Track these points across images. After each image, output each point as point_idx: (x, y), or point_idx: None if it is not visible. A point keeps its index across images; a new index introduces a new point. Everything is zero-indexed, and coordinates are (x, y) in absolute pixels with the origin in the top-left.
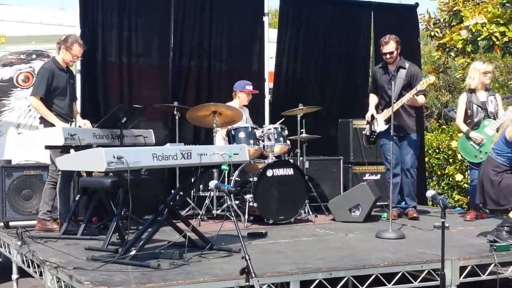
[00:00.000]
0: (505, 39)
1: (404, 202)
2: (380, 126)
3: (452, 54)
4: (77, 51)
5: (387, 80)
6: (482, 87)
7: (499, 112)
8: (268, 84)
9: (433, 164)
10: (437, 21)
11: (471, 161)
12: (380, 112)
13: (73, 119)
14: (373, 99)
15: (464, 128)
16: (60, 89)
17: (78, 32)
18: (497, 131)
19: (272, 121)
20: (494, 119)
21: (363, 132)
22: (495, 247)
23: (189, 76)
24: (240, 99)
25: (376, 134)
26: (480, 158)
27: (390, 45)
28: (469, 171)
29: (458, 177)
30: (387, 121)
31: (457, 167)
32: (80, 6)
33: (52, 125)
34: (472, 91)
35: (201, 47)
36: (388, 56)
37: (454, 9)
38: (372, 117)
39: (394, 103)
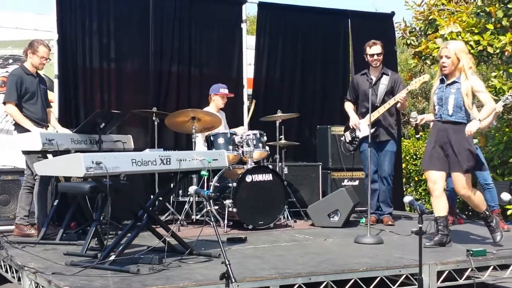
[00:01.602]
0: (480, 47)
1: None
2: (363, 131)
3: (428, 62)
4: (44, 53)
5: (370, 86)
6: None
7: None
8: (247, 90)
9: (411, 170)
10: (413, 30)
11: None
12: (361, 118)
13: (47, 124)
14: (350, 107)
15: None
16: (30, 94)
17: (55, 37)
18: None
19: (251, 127)
20: None
21: (342, 139)
22: (471, 252)
23: (168, 82)
24: (216, 102)
25: (358, 140)
26: None
27: (377, 47)
28: None
29: None
30: (371, 126)
31: None
32: (57, 11)
33: (27, 131)
34: None
35: (180, 53)
36: (375, 57)
37: (430, 18)
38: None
39: (378, 106)
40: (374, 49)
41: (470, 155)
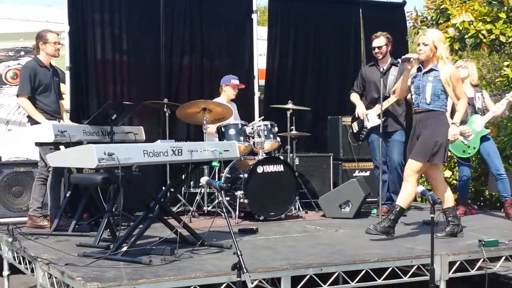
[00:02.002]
0: (492, 36)
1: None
2: (372, 121)
3: None
4: (54, 38)
5: (379, 77)
6: (467, 83)
7: (490, 107)
8: (258, 81)
9: None
10: (424, 19)
11: (460, 156)
12: (368, 109)
13: (61, 116)
14: (357, 97)
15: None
16: (43, 86)
17: (67, 29)
18: (485, 128)
19: (264, 118)
20: (482, 115)
21: (349, 131)
22: (483, 243)
23: (180, 73)
24: (227, 93)
25: (366, 130)
26: (469, 153)
27: (379, 40)
28: (457, 167)
29: (447, 173)
30: (379, 116)
31: (446, 163)
32: (68, 3)
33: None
34: None
35: (191, 45)
36: (376, 50)
37: (441, 7)
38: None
39: (388, 97)
40: (375, 42)
41: (429, 146)
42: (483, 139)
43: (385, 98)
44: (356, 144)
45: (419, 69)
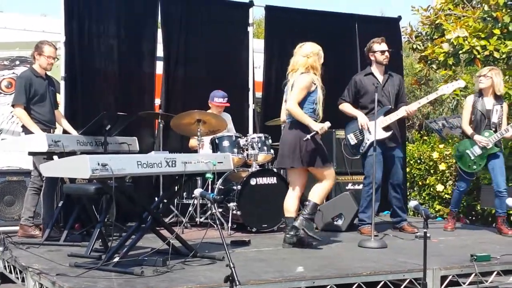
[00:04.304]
0: (486, 52)
1: (386, 212)
2: (377, 134)
3: (434, 66)
4: (50, 52)
5: (380, 88)
6: (487, 93)
7: (503, 123)
8: (255, 94)
9: (415, 175)
10: (419, 34)
11: (464, 170)
12: (370, 120)
13: (55, 126)
14: (352, 107)
15: (469, 131)
16: (39, 96)
17: (63, 39)
18: (495, 145)
19: (260, 131)
20: (495, 130)
21: (344, 143)
22: (475, 257)
23: (174, 85)
24: (212, 109)
25: (368, 143)
26: (474, 169)
27: (385, 44)
28: (450, 180)
29: (439, 187)
30: (385, 129)
31: (438, 177)
32: (65, 13)
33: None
34: (480, 95)
35: (186, 56)
36: (386, 53)
37: (436, 22)
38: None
39: (392, 109)
40: (382, 45)
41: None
42: (492, 155)
43: (390, 110)
44: (352, 158)
45: None
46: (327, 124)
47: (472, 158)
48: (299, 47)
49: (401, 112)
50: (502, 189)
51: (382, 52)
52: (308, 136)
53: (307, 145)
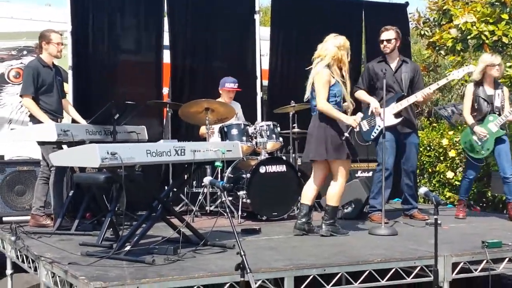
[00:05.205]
0: (494, 38)
1: (397, 199)
2: (387, 120)
3: (442, 52)
4: (57, 38)
5: (391, 74)
6: (490, 80)
7: (505, 107)
8: (262, 82)
9: (424, 162)
10: (427, 20)
11: (472, 156)
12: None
13: (62, 116)
14: (365, 93)
15: (470, 120)
16: (46, 86)
17: (69, 29)
18: (501, 128)
19: (266, 119)
20: (499, 114)
21: (356, 129)
22: (487, 244)
23: (182, 74)
24: (222, 96)
25: (379, 129)
26: (482, 154)
27: (389, 33)
28: (460, 167)
29: (449, 174)
30: (396, 115)
31: (448, 164)
32: (71, 3)
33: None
34: (479, 83)
35: (194, 45)
36: (385, 43)
37: (444, 8)
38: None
39: (405, 96)
40: (384, 35)
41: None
42: (498, 140)
43: (402, 97)
44: (365, 144)
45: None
46: (359, 115)
47: (480, 144)
48: (333, 36)
49: (412, 98)
50: (509, 175)
51: (382, 41)
52: (346, 134)
53: (331, 137)
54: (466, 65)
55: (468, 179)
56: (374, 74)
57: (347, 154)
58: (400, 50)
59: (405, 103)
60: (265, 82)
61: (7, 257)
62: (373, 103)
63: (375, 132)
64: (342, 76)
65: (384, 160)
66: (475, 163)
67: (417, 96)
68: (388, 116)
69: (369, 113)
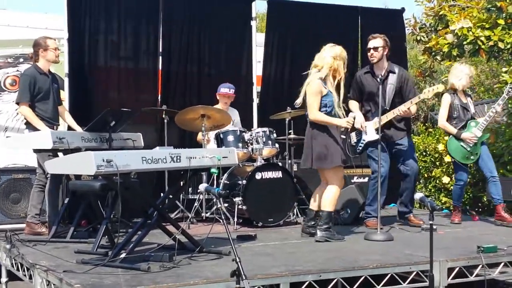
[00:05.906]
0: (490, 43)
1: (392, 205)
2: (369, 135)
3: (438, 58)
4: (53, 44)
5: (376, 86)
6: (462, 88)
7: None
8: (256, 88)
9: (420, 167)
10: (423, 26)
11: (462, 162)
12: (370, 119)
13: (58, 123)
14: (356, 106)
15: (453, 130)
16: (43, 93)
17: (66, 36)
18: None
19: (260, 125)
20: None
21: (348, 140)
22: (482, 249)
23: (178, 80)
24: (219, 101)
25: (364, 143)
26: (472, 159)
27: (376, 41)
28: (455, 172)
29: (445, 179)
30: (378, 130)
31: (444, 169)
32: (68, 11)
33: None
34: (454, 92)
35: (189, 52)
36: (371, 51)
37: (440, 13)
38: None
39: (388, 110)
40: (371, 43)
41: None
42: (481, 143)
43: (385, 111)
44: (353, 157)
45: None
46: (351, 116)
47: (469, 149)
48: (331, 46)
49: (390, 114)
50: (495, 174)
51: (368, 49)
52: (343, 136)
53: (316, 146)
54: (436, 85)
55: (459, 185)
56: (362, 84)
57: (334, 162)
58: (396, 56)
59: (384, 118)
60: (259, 88)
61: (2, 265)
62: (358, 118)
63: (361, 146)
64: (338, 85)
65: (379, 172)
66: (465, 167)
67: (394, 113)
68: (371, 130)
69: (363, 128)
